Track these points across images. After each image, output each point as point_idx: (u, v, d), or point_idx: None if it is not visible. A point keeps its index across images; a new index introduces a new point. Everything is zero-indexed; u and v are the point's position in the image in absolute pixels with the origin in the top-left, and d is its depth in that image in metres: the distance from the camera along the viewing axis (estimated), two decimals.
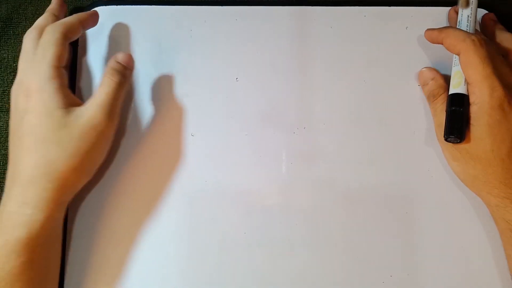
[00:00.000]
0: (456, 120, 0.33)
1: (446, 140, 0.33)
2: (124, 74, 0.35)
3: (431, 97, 0.36)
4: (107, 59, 0.39)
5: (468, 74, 0.32)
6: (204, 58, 0.39)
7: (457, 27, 0.36)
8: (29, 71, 0.33)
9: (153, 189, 0.37)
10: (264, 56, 0.39)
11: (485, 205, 0.35)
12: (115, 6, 0.40)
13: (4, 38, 0.42)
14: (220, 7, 0.40)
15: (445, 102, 0.35)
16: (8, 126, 0.40)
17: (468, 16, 0.36)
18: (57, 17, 0.37)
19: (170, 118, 0.38)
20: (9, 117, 0.40)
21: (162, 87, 0.39)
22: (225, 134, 0.38)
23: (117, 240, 0.36)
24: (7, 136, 0.40)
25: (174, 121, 0.38)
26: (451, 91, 0.34)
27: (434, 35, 0.36)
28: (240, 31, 0.40)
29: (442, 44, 0.35)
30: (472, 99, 0.32)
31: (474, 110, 0.32)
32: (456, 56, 0.35)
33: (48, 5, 0.38)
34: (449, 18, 0.39)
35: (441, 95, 0.35)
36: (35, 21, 0.36)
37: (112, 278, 0.35)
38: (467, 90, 0.33)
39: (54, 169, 0.31)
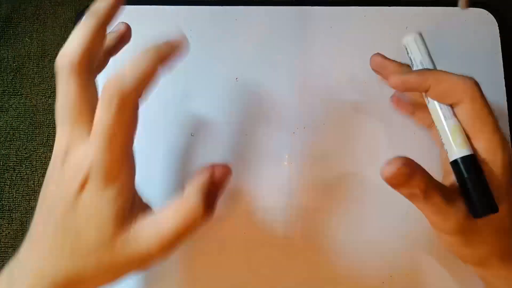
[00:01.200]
0: (486, 190, 0.25)
1: (479, 217, 0.25)
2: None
3: (420, 199, 0.26)
4: None
5: (475, 128, 0.26)
6: (204, 58, 0.39)
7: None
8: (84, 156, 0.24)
9: (152, 189, 0.37)
10: (264, 56, 0.39)
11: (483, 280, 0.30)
12: None
13: (4, 38, 0.42)
14: (220, 7, 0.40)
15: (438, 191, 0.25)
16: (7, 126, 0.40)
17: (420, 61, 0.29)
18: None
19: (170, 118, 0.38)
20: (8, 117, 0.40)
21: (162, 87, 0.39)
22: (225, 134, 0.38)
23: None
24: (6, 136, 0.40)
25: (174, 121, 0.38)
26: (459, 153, 0.26)
27: (413, 82, 0.27)
28: (240, 31, 0.40)
29: (424, 92, 0.27)
30: (481, 156, 0.26)
31: (496, 172, 0.25)
32: (436, 103, 0.27)
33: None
34: (375, 65, 0.30)
35: (430, 188, 0.25)
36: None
37: None
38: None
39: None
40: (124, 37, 0.29)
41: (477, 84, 0.26)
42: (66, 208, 0.23)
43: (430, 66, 0.29)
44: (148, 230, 0.24)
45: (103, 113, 0.22)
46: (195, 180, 0.26)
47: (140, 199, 0.27)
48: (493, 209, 0.25)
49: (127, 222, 0.24)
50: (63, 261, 0.23)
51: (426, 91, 0.27)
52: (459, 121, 0.27)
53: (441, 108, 0.27)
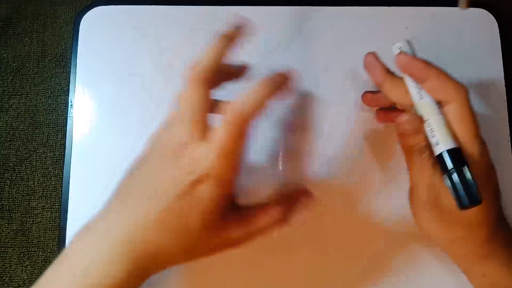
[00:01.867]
0: (472, 183, 0.27)
1: (464, 209, 0.27)
2: None
3: (416, 152, 0.30)
4: (107, 59, 0.39)
5: (459, 130, 0.28)
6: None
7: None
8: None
9: None
10: (264, 56, 0.39)
11: (461, 269, 0.32)
12: (115, 6, 0.40)
13: (4, 38, 0.42)
14: (220, 7, 0.40)
15: (431, 156, 0.29)
16: (7, 126, 0.40)
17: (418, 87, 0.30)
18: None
19: None
20: (8, 117, 0.40)
21: (162, 87, 0.39)
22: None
23: None
24: (6, 136, 0.40)
25: None
26: (447, 144, 0.28)
27: (415, 67, 0.29)
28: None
29: (422, 83, 0.29)
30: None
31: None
32: (426, 96, 0.29)
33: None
34: (366, 64, 0.32)
35: (427, 149, 0.29)
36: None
37: None
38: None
39: (159, 255, 0.27)
40: (238, 74, 0.33)
41: (467, 91, 0.28)
42: (180, 193, 0.27)
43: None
44: (238, 223, 0.29)
45: (226, 131, 0.26)
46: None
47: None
48: (476, 201, 0.26)
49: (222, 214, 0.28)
50: (159, 234, 0.27)
51: (423, 81, 0.29)
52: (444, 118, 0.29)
53: (434, 104, 0.29)
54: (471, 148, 0.28)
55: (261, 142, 0.37)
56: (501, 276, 0.30)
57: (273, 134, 0.38)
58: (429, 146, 0.29)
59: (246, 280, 0.35)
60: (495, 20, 0.40)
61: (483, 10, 0.40)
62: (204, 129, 0.27)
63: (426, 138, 0.29)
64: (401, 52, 0.30)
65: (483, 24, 0.40)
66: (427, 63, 0.29)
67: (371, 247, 0.36)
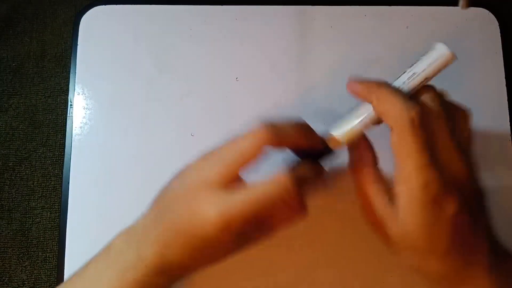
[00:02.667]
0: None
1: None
2: None
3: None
4: (107, 59, 0.39)
5: (399, 159, 0.26)
6: (204, 57, 0.39)
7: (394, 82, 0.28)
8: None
9: (153, 189, 0.37)
10: (264, 56, 0.39)
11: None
12: (115, 5, 0.40)
13: (4, 38, 0.42)
14: (220, 6, 0.40)
15: (375, 178, 0.28)
16: (7, 126, 0.40)
17: (414, 74, 0.28)
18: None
19: (170, 118, 0.38)
20: (8, 117, 0.40)
21: (162, 87, 0.39)
22: (225, 134, 0.38)
23: None
24: (6, 136, 0.40)
25: (174, 121, 0.38)
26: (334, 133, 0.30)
27: (359, 91, 0.28)
28: (240, 30, 0.40)
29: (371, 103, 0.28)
30: (400, 184, 0.26)
31: (403, 196, 0.26)
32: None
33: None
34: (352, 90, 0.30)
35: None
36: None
37: None
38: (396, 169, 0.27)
39: (169, 267, 0.27)
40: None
41: (415, 117, 0.25)
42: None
43: (409, 85, 0.28)
44: (242, 196, 0.26)
45: (248, 140, 0.27)
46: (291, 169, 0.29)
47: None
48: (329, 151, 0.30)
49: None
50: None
51: (372, 103, 0.28)
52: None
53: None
54: (408, 181, 0.25)
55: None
56: None
57: None
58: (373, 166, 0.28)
59: (246, 280, 0.35)
60: (496, 20, 0.40)
61: (484, 9, 0.40)
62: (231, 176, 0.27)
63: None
64: (350, 82, 0.29)
65: (484, 24, 0.40)
66: (370, 86, 0.28)
67: (372, 246, 0.36)
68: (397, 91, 0.27)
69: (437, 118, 0.26)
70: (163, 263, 0.27)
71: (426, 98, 0.27)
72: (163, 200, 0.29)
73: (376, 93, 0.27)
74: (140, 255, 0.27)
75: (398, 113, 0.26)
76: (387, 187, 0.28)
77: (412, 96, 0.27)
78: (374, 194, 0.28)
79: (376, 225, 0.28)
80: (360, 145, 0.29)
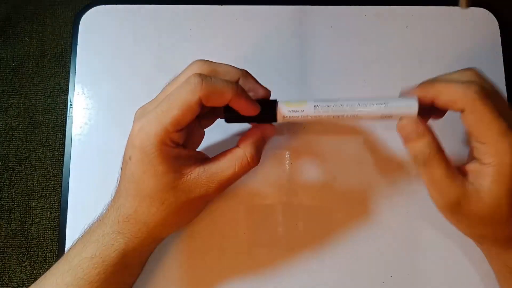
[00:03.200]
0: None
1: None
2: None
3: (422, 161, 0.28)
4: (107, 58, 0.39)
5: (480, 134, 0.27)
6: (204, 57, 0.39)
7: None
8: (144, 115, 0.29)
9: None
10: (264, 56, 0.39)
11: (482, 251, 0.33)
12: (114, 5, 0.40)
13: (3, 37, 0.42)
14: (220, 6, 0.40)
15: (443, 164, 0.27)
16: (6, 126, 0.40)
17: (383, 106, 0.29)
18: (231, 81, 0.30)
19: None
20: (8, 117, 0.40)
21: (162, 87, 0.39)
22: (225, 134, 0.38)
23: None
24: (5, 136, 0.40)
25: None
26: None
27: (417, 91, 0.29)
28: (240, 30, 0.40)
29: (432, 105, 0.29)
30: (487, 159, 0.27)
31: (489, 172, 0.27)
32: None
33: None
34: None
35: (435, 156, 0.27)
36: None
37: None
38: (472, 150, 0.28)
39: (144, 223, 0.30)
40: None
41: (478, 91, 0.26)
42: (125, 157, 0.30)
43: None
44: (208, 175, 0.29)
45: (176, 89, 0.28)
46: (249, 136, 0.31)
47: (195, 152, 0.32)
48: None
49: (185, 171, 0.29)
50: (132, 202, 0.29)
51: (432, 102, 0.28)
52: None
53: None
54: (494, 150, 0.26)
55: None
56: None
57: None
58: (437, 153, 0.27)
59: (246, 279, 0.35)
60: (495, 20, 0.40)
61: (484, 9, 0.40)
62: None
63: (431, 144, 0.27)
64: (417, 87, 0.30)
65: (484, 24, 0.40)
66: (423, 86, 0.29)
67: (372, 246, 0.36)
68: (448, 79, 0.28)
69: (491, 90, 0.28)
70: (119, 216, 0.30)
71: (472, 75, 0.28)
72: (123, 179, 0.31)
73: (434, 89, 0.28)
74: (103, 217, 0.30)
75: (463, 94, 0.26)
76: (457, 169, 0.28)
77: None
78: (451, 176, 0.28)
79: (454, 207, 0.28)
80: (430, 129, 0.28)
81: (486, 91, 0.27)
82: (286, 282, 0.35)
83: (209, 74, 0.29)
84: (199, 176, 0.29)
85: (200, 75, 0.28)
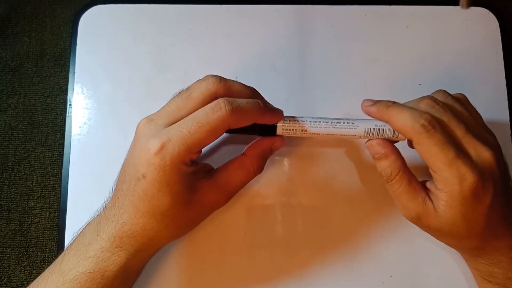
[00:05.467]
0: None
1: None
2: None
3: (385, 178, 0.30)
4: (106, 58, 0.39)
5: (429, 163, 0.28)
6: (204, 57, 0.39)
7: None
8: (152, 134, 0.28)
9: None
10: (264, 56, 0.39)
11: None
12: (114, 4, 0.40)
13: (2, 37, 0.42)
14: (220, 5, 0.40)
15: (404, 182, 0.29)
16: (6, 125, 0.40)
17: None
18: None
19: None
20: (7, 117, 0.40)
21: (162, 86, 0.39)
22: (225, 133, 0.38)
23: None
24: (5, 136, 0.40)
25: None
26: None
27: (372, 113, 0.31)
28: (239, 30, 0.40)
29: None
30: (439, 186, 0.28)
31: (442, 197, 0.28)
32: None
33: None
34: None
35: (397, 175, 0.29)
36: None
37: None
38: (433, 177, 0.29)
39: (150, 238, 0.29)
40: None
41: (424, 124, 0.27)
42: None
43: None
44: (218, 187, 0.30)
45: (204, 112, 0.28)
46: (258, 147, 0.32)
47: (203, 164, 0.32)
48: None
49: (196, 186, 0.30)
50: (141, 219, 0.28)
51: (388, 123, 0.30)
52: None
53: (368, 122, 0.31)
54: (444, 179, 0.28)
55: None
56: (492, 271, 0.31)
57: None
58: (399, 172, 0.29)
59: (246, 280, 0.35)
60: (496, 19, 0.40)
61: (484, 9, 0.40)
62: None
63: (393, 164, 0.29)
64: (364, 101, 0.31)
65: (484, 23, 0.40)
66: (381, 108, 0.30)
67: (372, 246, 0.36)
68: (403, 107, 0.29)
69: (446, 117, 0.28)
70: (121, 232, 0.29)
71: (427, 104, 0.29)
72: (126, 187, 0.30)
73: (387, 114, 0.29)
74: (99, 231, 0.29)
75: (410, 126, 0.28)
76: (421, 185, 0.30)
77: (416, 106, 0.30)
78: (412, 193, 0.29)
79: (415, 220, 0.30)
80: (394, 150, 0.30)
81: (436, 120, 0.28)
82: (286, 283, 0.35)
83: (225, 93, 0.29)
84: (210, 189, 0.30)
85: (227, 100, 0.28)
